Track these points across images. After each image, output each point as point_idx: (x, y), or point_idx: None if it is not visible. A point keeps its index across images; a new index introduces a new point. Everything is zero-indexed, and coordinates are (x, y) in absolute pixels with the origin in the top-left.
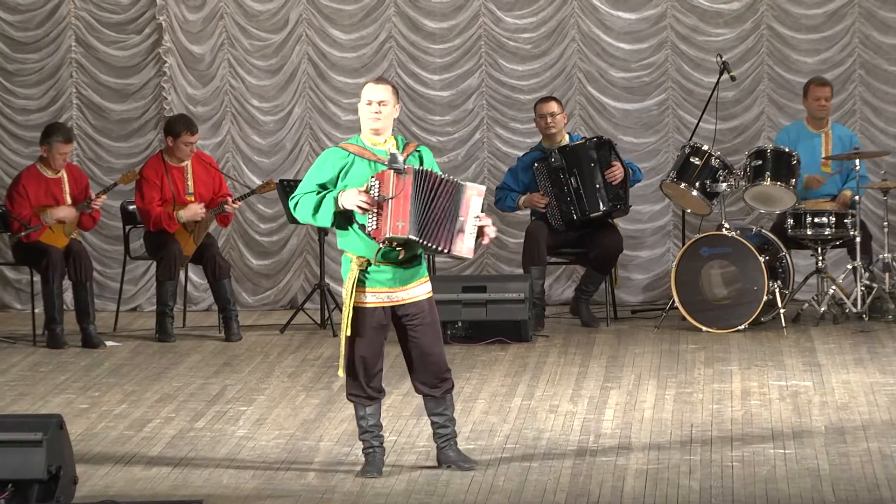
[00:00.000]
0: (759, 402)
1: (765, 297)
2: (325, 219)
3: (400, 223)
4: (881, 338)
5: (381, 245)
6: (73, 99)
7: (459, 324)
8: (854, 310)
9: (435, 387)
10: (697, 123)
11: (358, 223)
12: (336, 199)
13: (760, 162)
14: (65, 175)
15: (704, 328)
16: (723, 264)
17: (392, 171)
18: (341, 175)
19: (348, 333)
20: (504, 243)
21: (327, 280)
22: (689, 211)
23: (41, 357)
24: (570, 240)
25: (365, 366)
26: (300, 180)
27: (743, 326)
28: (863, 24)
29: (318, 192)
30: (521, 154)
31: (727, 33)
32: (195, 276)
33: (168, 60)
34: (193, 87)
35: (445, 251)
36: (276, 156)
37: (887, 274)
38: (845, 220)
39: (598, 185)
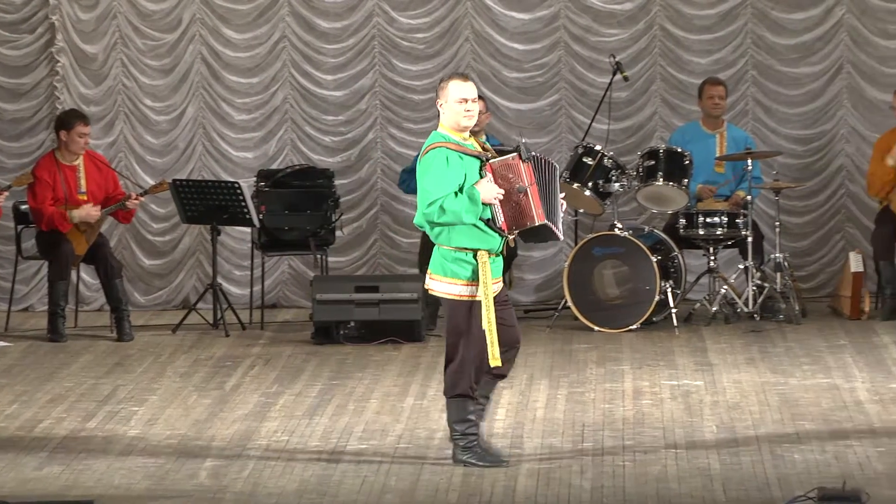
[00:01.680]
0: (650, 401)
1: (657, 297)
2: (476, 215)
3: (540, 210)
4: (772, 337)
5: (508, 235)
6: None
7: (352, 324)
8: (745, 309)
9: (508, 365)
10: (590, 123)
11: (483, 219)
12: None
13: (653, 162)
14: None
15: (597, 328)
16: (615, 264)
17: (525, 161)
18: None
19: (492, 327)
20: (397, 243)
21: (219, 280)
22: (581, 211)
23: None
24: None
25: (481, 358)
26: (194, 180)
27: (635, 326)
28: (756, 25)
29: (457, 193)
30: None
31: (620, 34)
32: (87, 276)
33: (61, 60)
34: (86, 86)
35: (562, 237)
36: (169, 155)
37: (779, 274)
38: (737, 220)
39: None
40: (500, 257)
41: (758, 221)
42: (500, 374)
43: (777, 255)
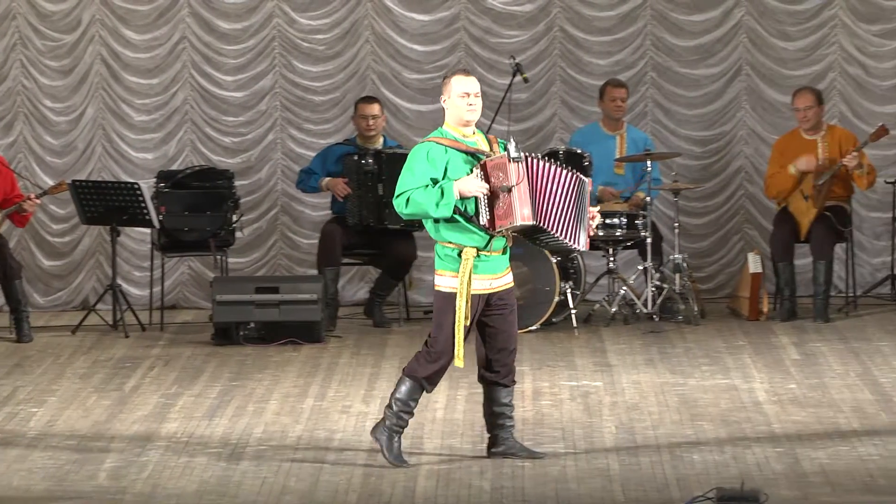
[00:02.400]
0: (550, 402)
1: (556, 298)
2: (447, 209)
3: (525, 210)
4: (671, 338)
5: (495, 234)
6: None
7: (252, 324)
8: (645, 310)
9: (508, 374)
10: (490, 125)
11: (465, 215)
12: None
13: None
14: None
15: None
16: (515, 265)
17: (512, 160)
18: (447, 166)
19: (467, 323)
20: (297, 244)
21: (119, 281)
22: None
23: None
24: (364, 241)
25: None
26: (93, 181)
27: (535, 327)
28: (655, 27)
29: (428, 186)
30: (329, 144)
31: (520, 35)
32: None
33: None
34: None
35: (571, 244)
36: (69, 156)
37: (678, 275)
38: (637, 222)
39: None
40: (502, 255)
41: (657, 223)
42: (499, 383)
43: (676, 256)
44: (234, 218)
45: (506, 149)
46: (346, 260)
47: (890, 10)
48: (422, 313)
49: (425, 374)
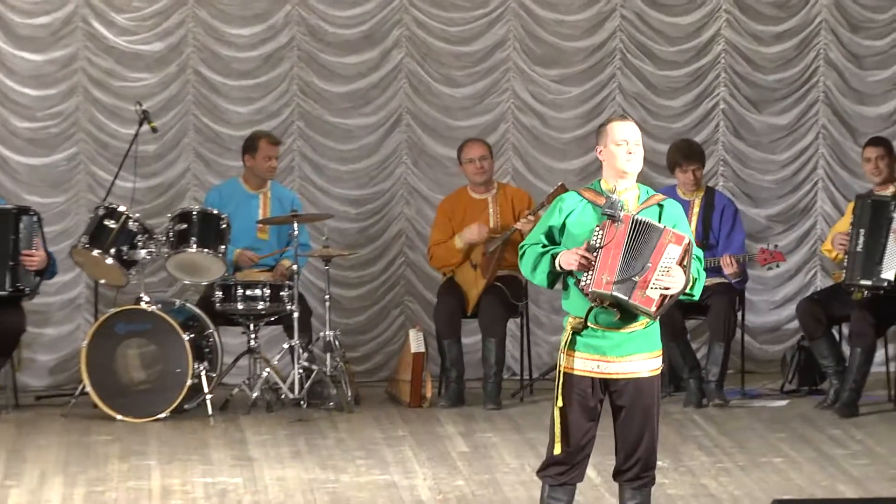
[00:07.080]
0: (181, 501)
1: (189, 381)
2: (541, 279)
3: (605, 277)
4: (321, 427)
5: (592, 302)
6: None
7: None
8: (291, 395)
9: (636, 478)
10: (113, 181)
11: (573, 276)
12: (554, 259)
13: (185, 226)
14: None
15: (119, 416)
16: (141, 343)
17: (612, 221)
18: (568, 218)
19: (559, 405)
20: None
21: None
22: (103, 281)
23: None
24: None
25: (568, 440)
26: None
27: (164, 414)
28: (303, 70)
29: (543, 245)
30: None
31: (148, 78)
32: None
33: None
34: None
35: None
36: None
37: (329, 354)
38: (282, 293)
39: (11, 263)
40: (624, 333)
41: (305, 294)
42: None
43: (327, 332)
44: None
45: (605, 204)
46: None
47: (570, 53)
48: (33, 399)
49: (549, 475)
